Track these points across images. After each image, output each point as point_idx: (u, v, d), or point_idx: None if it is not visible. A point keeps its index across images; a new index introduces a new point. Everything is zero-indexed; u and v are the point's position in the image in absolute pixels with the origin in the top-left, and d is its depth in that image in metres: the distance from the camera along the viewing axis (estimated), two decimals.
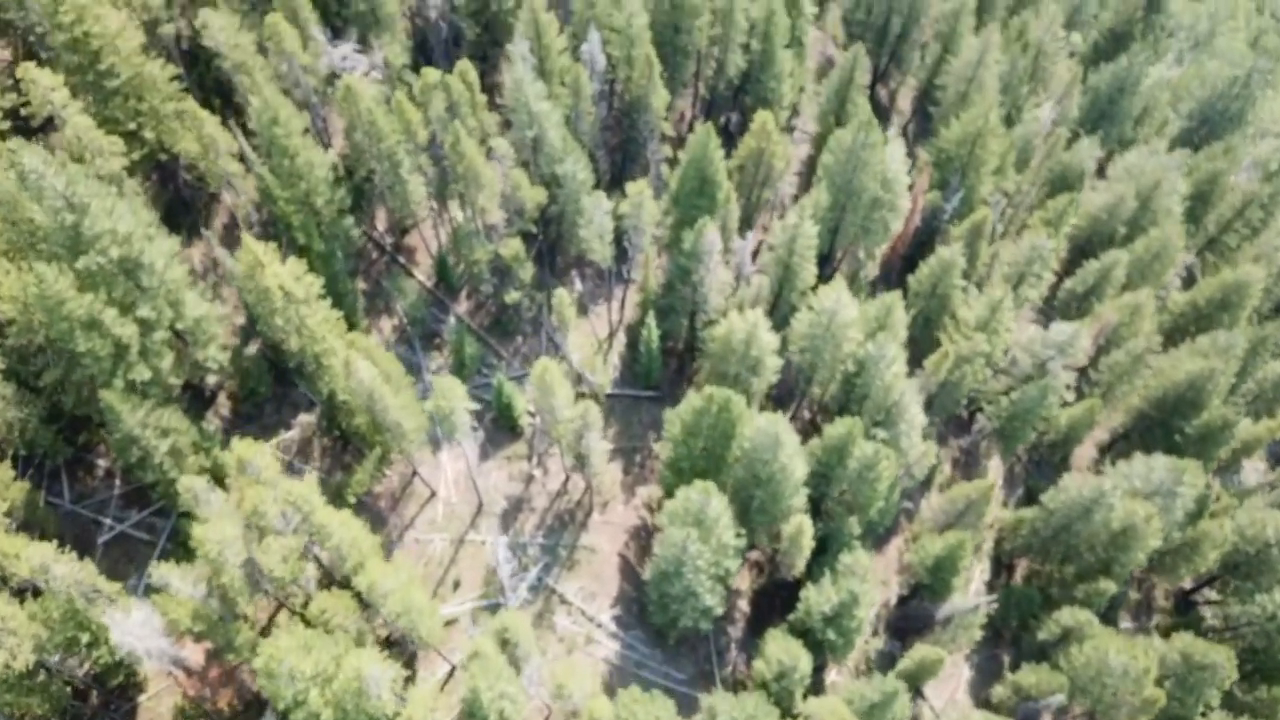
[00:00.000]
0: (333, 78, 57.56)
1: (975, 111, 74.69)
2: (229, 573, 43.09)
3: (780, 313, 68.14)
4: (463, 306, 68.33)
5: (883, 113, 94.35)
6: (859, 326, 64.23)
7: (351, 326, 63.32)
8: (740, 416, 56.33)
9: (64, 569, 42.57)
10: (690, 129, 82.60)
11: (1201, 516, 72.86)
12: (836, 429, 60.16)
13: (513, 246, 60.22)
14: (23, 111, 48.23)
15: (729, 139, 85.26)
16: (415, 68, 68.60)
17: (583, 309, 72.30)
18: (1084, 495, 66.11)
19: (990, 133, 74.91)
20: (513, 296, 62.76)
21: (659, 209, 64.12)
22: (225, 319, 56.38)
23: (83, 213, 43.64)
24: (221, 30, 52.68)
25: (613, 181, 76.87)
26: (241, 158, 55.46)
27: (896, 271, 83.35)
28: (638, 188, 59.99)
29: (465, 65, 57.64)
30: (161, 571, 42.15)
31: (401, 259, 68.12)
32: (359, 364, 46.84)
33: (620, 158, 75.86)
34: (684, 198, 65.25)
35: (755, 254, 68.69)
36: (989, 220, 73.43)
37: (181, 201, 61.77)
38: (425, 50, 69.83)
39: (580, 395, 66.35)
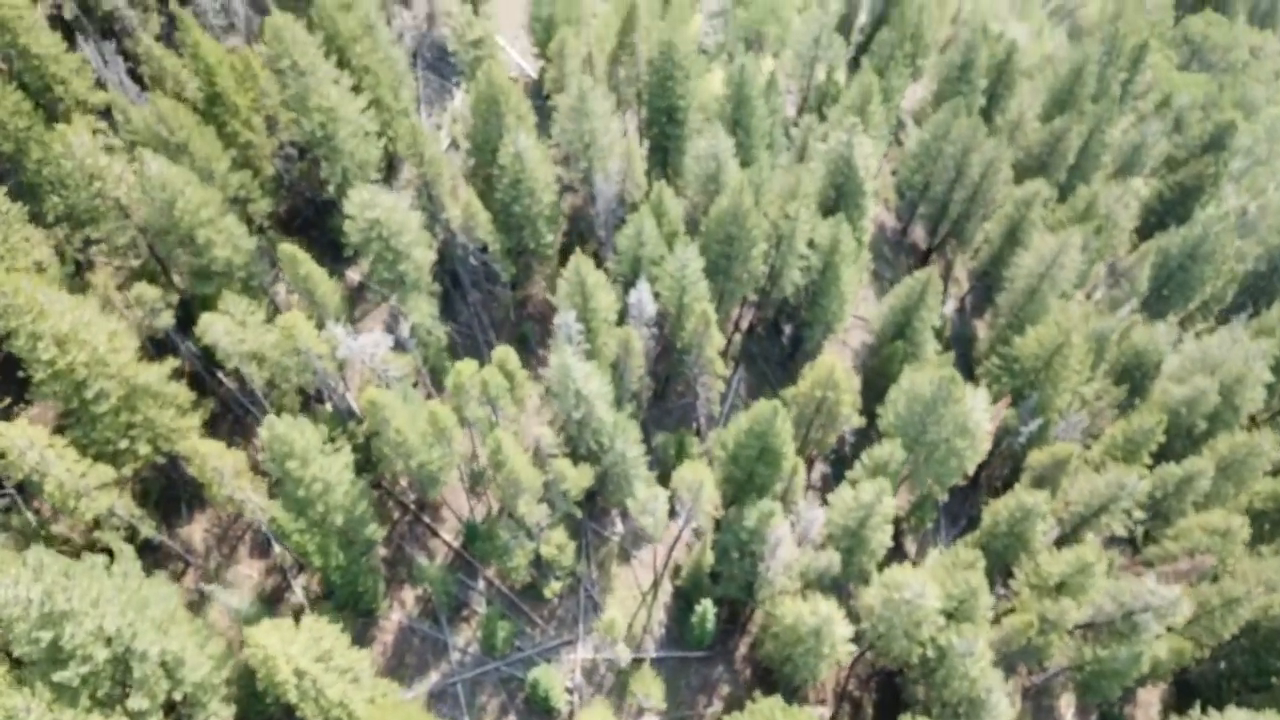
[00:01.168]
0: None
1: (1054, 331, 67.93)
2: None
3: (848, 574, 61.27)
4: (492, 569, 61.35)
5: None
6: (938, 602, 57.27)
7: (371, 612, 56.77)
8: None
9: None
10: (736, 328, 75.71)
11: None
12: None
13: (555, 540, 53.21)
14: None
15: (778, 335, 78.48)
16: (444, 302, 61.94)
17: (624, 555, 65.41)
18: None
19: (1071, 349, 68.27)
20: (553, 589, 55.78)
21: (713, 488, 57.06)
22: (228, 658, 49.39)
23: (62, 623, 36.85)
24: (225, 335, 45.79)
25: (655, 397, 70.11)
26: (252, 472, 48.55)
27: (961, 489, 76.42)
28: (695, 472, 53.09)
29: (503, 353, 50.62)
30: None
31: (426, 518, 61.20)
32: None
33: (665, 376, 69.01)
34: (742, 460, 58.38)
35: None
36: (1072, 458, 66.62)
37: (184, 479, 54.91)
38: (455, 279, 63.03)
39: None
